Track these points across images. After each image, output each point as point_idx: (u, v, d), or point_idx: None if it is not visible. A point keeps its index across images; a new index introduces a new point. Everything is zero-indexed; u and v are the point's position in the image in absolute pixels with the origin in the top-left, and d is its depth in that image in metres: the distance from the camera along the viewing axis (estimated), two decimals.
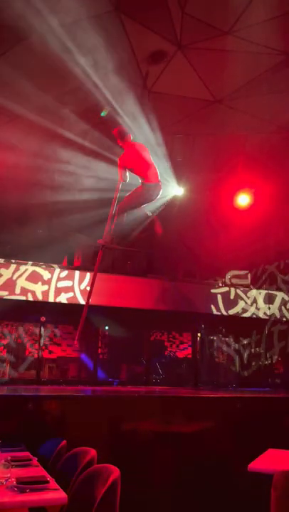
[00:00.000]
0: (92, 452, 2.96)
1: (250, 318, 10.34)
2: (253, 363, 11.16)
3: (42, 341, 9.53)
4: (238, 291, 10.30)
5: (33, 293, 8.25)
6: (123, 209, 5.20)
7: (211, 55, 6.50)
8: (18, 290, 8.17)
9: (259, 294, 10.59)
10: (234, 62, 6.61)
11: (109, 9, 5.80)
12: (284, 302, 10.75)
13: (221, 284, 10.48)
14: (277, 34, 6.10)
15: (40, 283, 8.37)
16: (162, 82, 7.07)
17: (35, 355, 9.58)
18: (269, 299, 10.60)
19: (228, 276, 10.75)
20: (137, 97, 7.07)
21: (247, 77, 6.97)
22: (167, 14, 5.89)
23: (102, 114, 7.27)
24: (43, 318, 9.33)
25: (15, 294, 8.11)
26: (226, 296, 10.17)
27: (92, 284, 5.31)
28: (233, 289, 10.32)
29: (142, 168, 5.17)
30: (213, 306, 9.88)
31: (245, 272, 11.02)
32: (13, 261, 8.38)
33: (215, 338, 11.30)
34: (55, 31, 5.85)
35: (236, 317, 10.18)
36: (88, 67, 6.46)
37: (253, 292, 10.56)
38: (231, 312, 10.01)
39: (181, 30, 6.17)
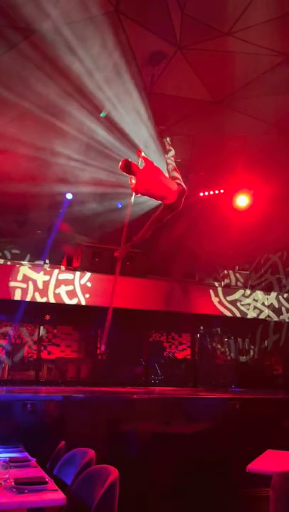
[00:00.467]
0: (91, 453, 2.95)
1: (249, 319, 10.36)
2: (251, 351, 11.26)
3: (41, 333, 9.49)
4: (239, 278, 10.46)
5: (34, 282, 8.30)
6: (150, 228, 4.90)
7: (211, 56, 6.49)
8: (20, 277, 8.22)
9: (258, 285, 10.71)
10: (234, 63, 6.61)
11: (109, 10, 5.80)
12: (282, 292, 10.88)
13: (221, 277, 10.58)
14: (277, 35, 6.09)
15: (42, 273, 8.43)
16: (162, 82, 7.07)
17: (34, 356, 9.57)
18: (267, 289, 10.74)
19: (227, 271, 10.85)
20: (136, 97, 7.07)
21: (246, 78, 6.96)
22: (167, 15, 5.88)
23: (102, 114, 7.26)
24: (47, 317, 9.34)
25: (16, 281, 8.15)
26: (225, 284, 10.37)
27: (112, 291, 5.29)
28: (233, 278, 10.41)
29: (157, 192, 4.80)
30: (212, 291, 9.92)
31: (246, 272, 11.13)
32: (9, 263, 8.41)
33: (214, 337, 11.32)
34: (54, 31, 5.85)
35: (235, 317, 10.21)
36: (88, 68, 6.46)
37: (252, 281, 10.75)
38: (230, 299, 10.07)
39: (180, 31, 6.16)
